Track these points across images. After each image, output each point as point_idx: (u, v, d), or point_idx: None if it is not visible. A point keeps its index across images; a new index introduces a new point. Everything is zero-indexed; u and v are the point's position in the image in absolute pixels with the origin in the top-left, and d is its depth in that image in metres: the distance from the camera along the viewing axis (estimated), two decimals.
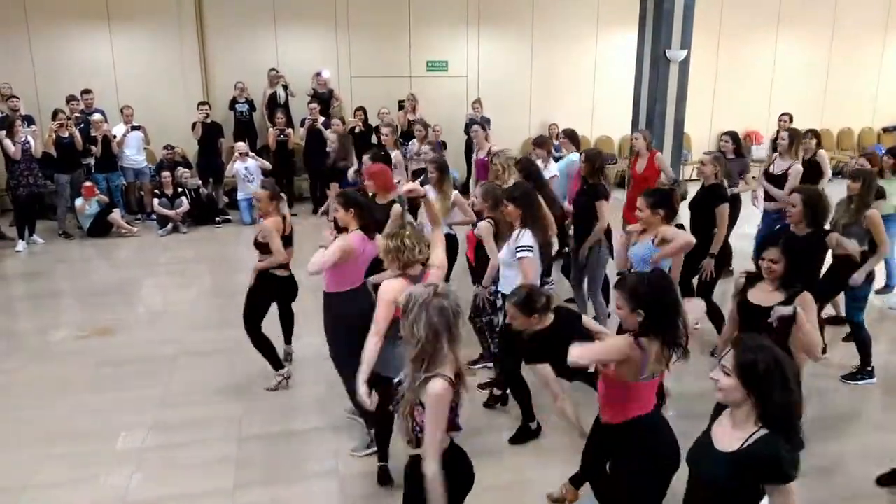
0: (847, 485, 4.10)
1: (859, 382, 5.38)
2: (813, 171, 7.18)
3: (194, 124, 10.36)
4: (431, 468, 2.51)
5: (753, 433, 2.22)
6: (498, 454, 4.40)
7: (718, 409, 2.56)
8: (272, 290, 5.20)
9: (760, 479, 2.19)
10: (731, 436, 2.28)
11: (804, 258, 4.52)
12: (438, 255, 3.58)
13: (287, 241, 5.13)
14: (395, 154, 7.75)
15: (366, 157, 6.31)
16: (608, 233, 6.02)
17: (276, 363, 5.26)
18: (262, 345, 5.21)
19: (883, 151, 7.33)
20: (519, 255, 4.43)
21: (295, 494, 4.04)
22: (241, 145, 10.33)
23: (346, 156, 7.49)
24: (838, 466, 4.27)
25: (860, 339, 5.40)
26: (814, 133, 7.52)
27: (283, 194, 5.28)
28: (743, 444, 2.22)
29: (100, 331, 6.43)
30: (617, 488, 3.15)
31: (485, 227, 5.03)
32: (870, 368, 5.41)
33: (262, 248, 5.05)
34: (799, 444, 2.30)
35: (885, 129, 14.06)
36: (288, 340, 5.64)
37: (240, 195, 10.26)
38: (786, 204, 6.49)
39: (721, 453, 2.28)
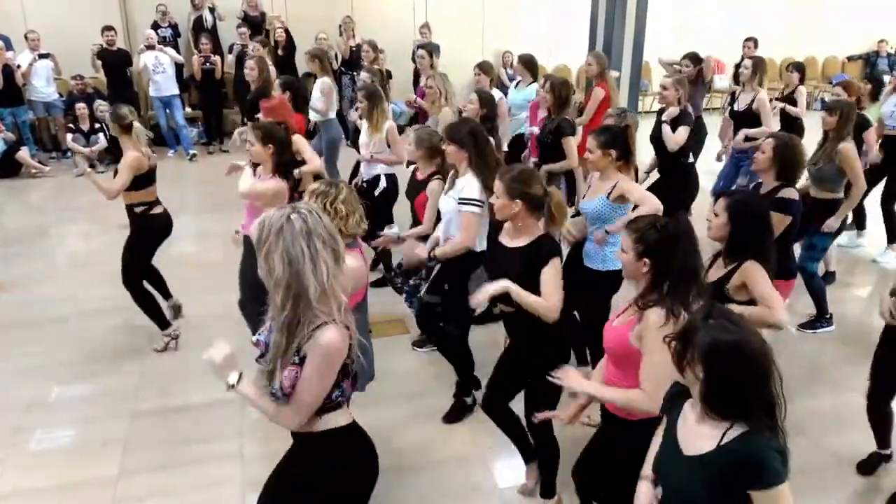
0: (811, 453, 3.74)
1: (818, 331, 5.06)
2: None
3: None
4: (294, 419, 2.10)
5: (728, 430, 1.81)
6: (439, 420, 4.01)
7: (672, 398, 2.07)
8: (156, 230, 4.67)
9: (744, 485, 1.77)
10: (698, 434, 1.88)
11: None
12: None
13: (148, 178, 4.53)
14: (325, 81, 6.98)
15: (277, 82, 5.64)
16: (570, 173, 5.47)
17: (163, 321, 4.74)
18: (147, 301, 4.71)
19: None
20: (464, 209, 3.68)
21: (188, 483, 3.52)
22: (151, 33, 9.45)
23: (267, 81, 6.63)
24: (799, 431, 3.90)
25: (812, 287, 5.05)
26: (796, 66, 6.89)
27: (135, 124, 4.53)
28: (719, 443, 1.81)
29: None
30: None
31: (435, 189, 4.21)
32: (828, 316, 5.10)
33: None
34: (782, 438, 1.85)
35: (850, 58, 13.62)
36: (167, 294, 5.05)
37: (151, 92, 9.43)
38: (752, 145, 5.99)
39: (690, 458, 1.87)
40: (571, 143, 5.18)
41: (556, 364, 2.86)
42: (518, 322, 3.03)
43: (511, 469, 3.60)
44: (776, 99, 6.86)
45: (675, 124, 5.39)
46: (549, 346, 3.00)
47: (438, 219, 4.15)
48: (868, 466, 3.63)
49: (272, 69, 7.15)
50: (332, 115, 7.09)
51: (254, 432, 3.89)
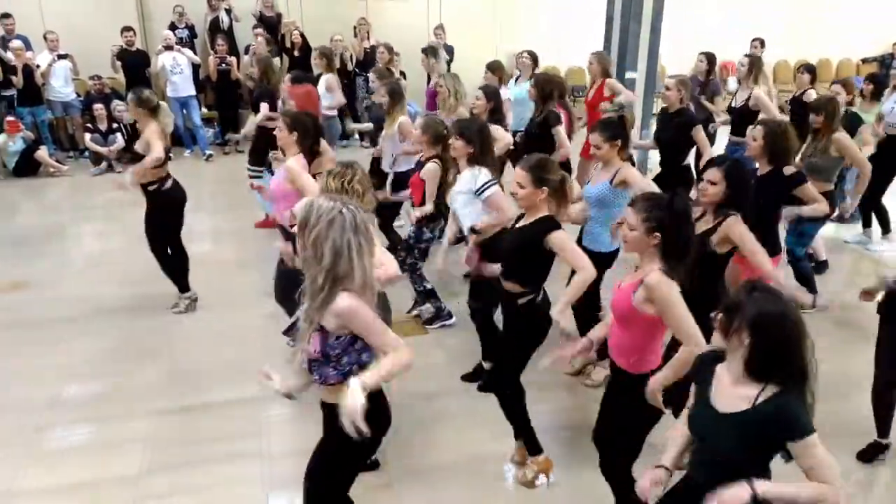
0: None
1: (818, 304, 5.14)
2: (799, 108, 6.67)
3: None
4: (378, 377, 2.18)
5: (762, 390, 2.03)
6: (457, 420, 4.02)
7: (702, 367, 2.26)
8: (170, 202, 4.96)
9: (780, 439, 2.00)
10: (734, 395, 2.08)
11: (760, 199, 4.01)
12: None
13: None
14: (328, 77, 7.06)
15: (287, 77, 5.73)
16: (566, 165, 5.53)
17: (184, 285, 5.08)
18: (170, 263, 5.05)
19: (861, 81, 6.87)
20: (486, 193, 3.94)
21: (209, 482, 3.54)
22: (169, 33, 9.52)
23: (265, 74, 6.67)
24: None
25: (799, 269, 5.16)
26: (807, 67, 6.95)
27: (160, 102, 4.89)
28: (754, 403, 2.03)
29: (11, 285, 5.80)
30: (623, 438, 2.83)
31: (432, 170, 4.52)
32: (817, 292, 5.20)
33: (137, 158, 4.75)
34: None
35: (865, 60, 13.53)
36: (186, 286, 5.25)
37: (168, 92, 9.44)
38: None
39: (726, 416, 2.08)
40: (561, 132, 5.38)
41: (531, 338, 3.24)
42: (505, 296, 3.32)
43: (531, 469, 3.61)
44: (788, 101, 6.95)
45: (682, 126, 5.35)
46: (521, 322, 3.27)
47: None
48: (867, 455, 3.71)
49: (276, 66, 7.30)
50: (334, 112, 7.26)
51: (275, 431, 3.93)
